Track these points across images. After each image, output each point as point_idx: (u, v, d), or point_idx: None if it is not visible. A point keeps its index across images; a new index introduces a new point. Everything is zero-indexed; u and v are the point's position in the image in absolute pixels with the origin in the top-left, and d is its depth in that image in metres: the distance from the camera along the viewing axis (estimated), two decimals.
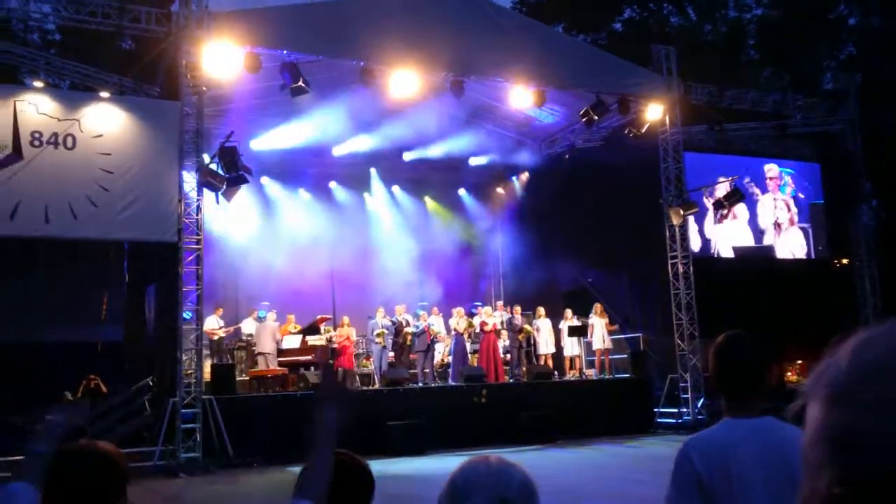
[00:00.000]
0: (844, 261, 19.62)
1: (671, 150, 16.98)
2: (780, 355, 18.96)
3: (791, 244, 18.77)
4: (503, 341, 17.24)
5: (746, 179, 18.12)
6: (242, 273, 18.12)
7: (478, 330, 16.73)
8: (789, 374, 19.48)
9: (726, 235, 18.13)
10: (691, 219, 17.18)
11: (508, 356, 17.16)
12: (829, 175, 19.33)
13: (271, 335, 15.14)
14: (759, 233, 18.51)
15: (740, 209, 17.88)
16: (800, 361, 19.68)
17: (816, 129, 19.52)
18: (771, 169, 18.85)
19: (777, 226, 18.67)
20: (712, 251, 17.93)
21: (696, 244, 17.47)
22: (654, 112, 16.69)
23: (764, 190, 18.69)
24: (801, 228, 18.87)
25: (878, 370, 0.73)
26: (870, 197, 21.58)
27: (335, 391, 1.89)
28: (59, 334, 13.89)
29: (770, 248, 18.49)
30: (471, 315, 17.00)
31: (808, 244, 18.86)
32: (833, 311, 17.95)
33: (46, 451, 2.03)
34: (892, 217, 24.57)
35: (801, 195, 19.10)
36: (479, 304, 18.17)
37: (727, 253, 18.07)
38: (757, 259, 18.31)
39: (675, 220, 16.58)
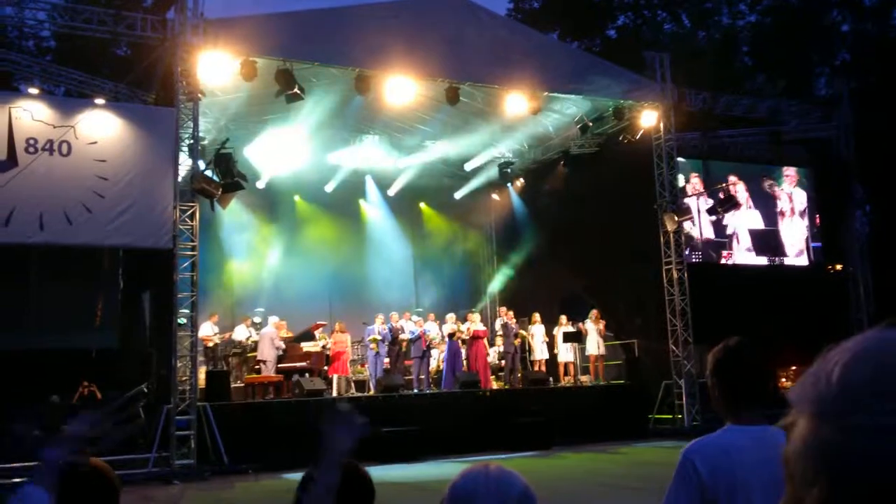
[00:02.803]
0: (838, 266, 19.68)
1: (665, 157, 17.03)
2: (775, 361, 19.03)
3: (794, 232, 19.16)
4: (497, 347, 17.25)
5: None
6: (238, 279, 18.10)
7: (466, 336, 16.71)
8: (784, 380, 19.53)
9: (743, 221, 18.51)
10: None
11: (503, 362, 17.15)
12: (823, 181, 19.43)
13: (270, 342, 15.09)
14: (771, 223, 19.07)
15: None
16: (794, 367, 19.73)
17: (810, 135, 19.60)
18: (788, 169, 19.32)
19: (781, 214, 19.09)
20: (730, 235, 18.29)
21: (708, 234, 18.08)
22: (649, 118, 16.75)
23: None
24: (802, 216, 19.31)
25: (873, 393, 0.73)
26: (863, 202, 21.68)
27: (347, 420, 1.89)
28: (54, 341, 13.83)
29: (776, 233, 18.92)
30: (462, 320, 16.99)
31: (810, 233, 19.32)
32: (827, 317, 18.02)
33: (59, 459, 2.02)
34: (885, 222, 24.66)
35: (799, 189, 19.40)
36: (474, 309, 18.18)
37: (745, 236, 18.47)
38: (750, 265, 18.40)
39: (670, 226, 16.63)
